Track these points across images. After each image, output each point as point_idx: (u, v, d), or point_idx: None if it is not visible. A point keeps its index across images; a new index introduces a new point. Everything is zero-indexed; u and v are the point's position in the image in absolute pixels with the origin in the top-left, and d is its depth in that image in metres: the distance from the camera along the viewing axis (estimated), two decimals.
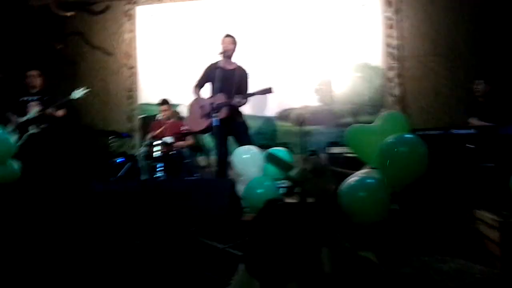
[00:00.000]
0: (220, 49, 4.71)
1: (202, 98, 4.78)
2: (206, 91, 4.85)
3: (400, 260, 2.36)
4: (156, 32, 6.38)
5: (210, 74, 4.74)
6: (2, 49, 6.07)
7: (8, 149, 3.71)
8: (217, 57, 4.71)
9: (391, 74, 5.62)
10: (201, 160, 5.86)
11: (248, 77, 4.80)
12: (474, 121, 4.65)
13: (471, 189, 2.99)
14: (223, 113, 4.53)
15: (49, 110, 5.06)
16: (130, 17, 6.45)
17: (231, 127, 4.59)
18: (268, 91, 4.49)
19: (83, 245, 3.13)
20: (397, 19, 5.64)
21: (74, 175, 5.25)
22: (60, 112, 5.16)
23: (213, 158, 4.94)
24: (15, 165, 3.77)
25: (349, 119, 5.52)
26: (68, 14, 6.23)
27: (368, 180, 2.36)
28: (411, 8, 5.64)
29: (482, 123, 4.55)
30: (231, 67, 4.75)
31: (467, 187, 3.00)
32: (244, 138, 4.53)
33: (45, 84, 5.37)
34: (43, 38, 6.34)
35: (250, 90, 4.72)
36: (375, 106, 5.46)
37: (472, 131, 3.86)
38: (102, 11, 6.53)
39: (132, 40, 6.43)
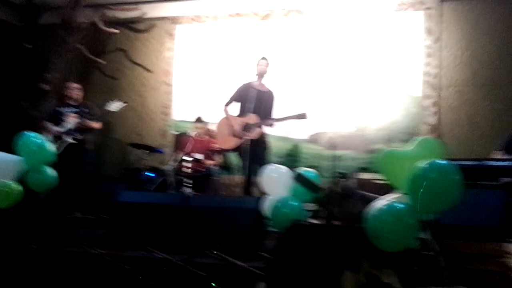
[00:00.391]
0: (256, 71, 4.79)
1: (233, 117, 4.84)
2: (234, 109, 4.92)
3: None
4: (193, 51, 6.54)
5: (242, 94, 4.82)
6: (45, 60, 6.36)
7: (45, 156, 3.82)
8: (250, 78, 4.79)
9: (428, 102, 5.53)
10: (229, 178, 5.89)
11: (274, 100, 4.88)
12: (498, 154, 4.40)
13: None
14: (255, 133, 4.56)
15: (87, 122, 5.23)
16: (172, 36, 6.65)
17: (255, 147, 4.62)
18: (302, 116, 4.51)
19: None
20: (436, 48, 5.57)
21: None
22: (97, 125, 5.32)
23: (240, 177, 4.96)
24: (51, 172, 3.87)
25: (381, 146, 5.44)
26: (113, 31, 6.50)
27: (397, 205, 2.30)
28: (452, 37, 5.57)
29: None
30: (263, 89, 4.83)
31: None
32: (263, 159, 4.54)
33: (84, 97, 5.57)
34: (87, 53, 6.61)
35: (282, 113, 4.76)
36: (409, 133, 5.36)
37: (507, 163, 3.73)
38: (145, 30, 6.78)
39: (171, 58, 6.62)
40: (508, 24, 5.39)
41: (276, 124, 4.70)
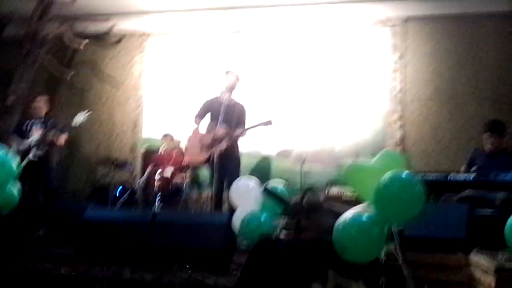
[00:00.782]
0: (225, 84, 4.83)
1: (202, 131, 4.86)
2: (204, 123, 4.94)
3: None
4: (164, 64, 6.51)
5: (211, 107, 4.87)
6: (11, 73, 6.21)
7: (8, 172, 3.70)
8: (217, 91, 4.83)
9: (393, 117, 5.67)
10: (198, 194, 5.86)
11: (245, 112, 4.93)
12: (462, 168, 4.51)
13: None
14: (223, 144, 4.58)
15: (51, 135, 5.10)
16: (142, 49, 6.60)
17: (226, 162, 4.63)
18: (268, 123, 4.60)
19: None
20: (401, 64, 5.74)
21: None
22: (61, 139, 5.19)
23: (209, 192, 4.95)
24: (15, 189, 3.76)
25: (349, 160, 5.53)
26: (81, 45, 6.41)
27: (362, 216, 2.35)
28: (415, 54, 5.76)
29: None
30: (231, 102, 4.86)
31: None
32: (234, 174, 4.55)
33: (51, 110, 5.46)
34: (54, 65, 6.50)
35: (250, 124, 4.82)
36: (376, 148, 5.46)
37: (471, 177, 3.85)
38: (115, 43, 6.70)
39: (142, 72, 6.57)
40: (469, 43, 5.61)
41: (245, 133, 4.73)
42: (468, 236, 2.95)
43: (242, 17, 6.24)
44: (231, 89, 4.87)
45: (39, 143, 5.03)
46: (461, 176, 3.85)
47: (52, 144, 5.17)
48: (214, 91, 5.22)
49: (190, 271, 3.00)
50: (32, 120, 5.24)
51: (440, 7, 5.65)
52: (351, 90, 5.82)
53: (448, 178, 3.82)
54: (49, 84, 6.68)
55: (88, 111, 5.26)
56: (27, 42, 6.19)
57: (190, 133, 4.98)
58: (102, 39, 6.71)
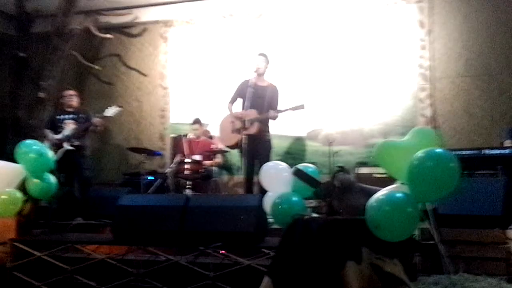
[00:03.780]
0: (255, 67, 4.80)
1: (234, 114, 4.85)
2: (238, 107, 4.93)
3: (429, 277, 2.29)
4: (188, 53, 6.56)
5: (242, 91, 4.83)
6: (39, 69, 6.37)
7: (45, 164, 3.83)
8: (250, 75, 4.80)
9: (423, 95, 5.57)
10: (229, 178, 5.91)
11: (278, 94, 4.86)
12: (508, 143, 4.48)
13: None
14: (253, 128, 4.58)
15: (86, 125, 5.21)
16: (166, 39, 6.67)
17: (257, 145, 4.62)
18: (300, 107, 4.55)
19: None
20: (429, 40, 5.61)
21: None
22: (99, 121, 5.24)
23: (240, 177, 4.97)
24: (52, 179, 3.89)
25: (379, 139, 5.47)
26: (107, 36, 6.50)
27: (395, 195, 2.32)
28: (443, 29, 5.61)
29: None
30: (263, 84, 4.83)
31: None
32: (265, 157, 4.54)
33: (80, 104, 5.58)
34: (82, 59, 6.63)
35: (282, 107, 4.77)
36: (406, 126, 5.39)
37: (507, 151, 3.77)
38: (139, 34, 6.80)
39: (166, 61, 6.64)
40: (497, 15, 5.43)
41: (276, 116, 4.69)
42: (504, 212, 2.89)
43: (264, 1, 6.20)
44: (261, 72, 4.83)
45: (72, 136, 5.16)
46: (496, 151, 3.77)
47: (85, 135, 5.29)
48: (243, 74, 5.18)
49: (223, 253, 3.05)
50: (63, 115, 5.37)
51: None
52: (379, 69, 5.74)
53: (482, 153, 3.74)
54: (78, 78, 6.84)
55: (120, 107, 5.36)
56: (54, 38, 6.33)
57: (225, 116, 4.97)
58: (126, 31, 6.81)
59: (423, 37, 5.64)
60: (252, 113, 4.65)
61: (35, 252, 3.39)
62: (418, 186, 2.33)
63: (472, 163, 3.70)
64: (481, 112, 5.37)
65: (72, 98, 5.47)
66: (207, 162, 5.38)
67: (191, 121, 5.78)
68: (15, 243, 3.48)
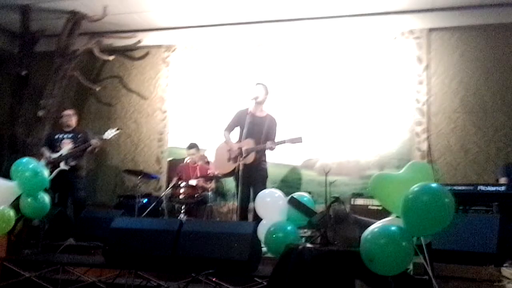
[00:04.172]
0: (253, 96, 4.79)
1: (231, 142, 4.85)
2: (235, 135, 4.94)
3: None
4: (189, 78, 6.64)
5: (240, 119, 4.82)
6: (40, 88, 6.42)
7: (40, 183, 3.82)
8: (248, 104, 4.84)
9: (419, 129, 5.63)
10: (223, 204, 5.89)
11: (276, 125, 4.87)
12: (503, 180, 4.52)
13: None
14: (250, 158, 4.58)
15: (83, 147, 5.21)
16: (167, 63, 6.76)
17: (253, 173, 4.61)
18: (297, 140, 4.52)
19: None
20: (426, 76, 5.71)
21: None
22: (97, 143, 5.24)
23: (235, 203, 4.94)
24: (46, 199, 3.87)
25: (375, 171, 5.49)
26: (110, 58, 6.59)
27: (390, 228, 2.33)
28: (440, 66, 5.72)
29: None
30: (261, 114, 4.84)
31: None
32: (260, 185, 4.51)
33: (79, 123, 5.60)
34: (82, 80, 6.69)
35: (279, 138, 4.77)
36: (402, 159, 5.43)
37: (502, 188, 3.78)
38: (141, 57, 6.89)
39: (166, 85, 6.71)
40: (493, 53, 5.55)
41: (274, 147, 4.66)
42: (499, 249, 2.89)
43: (265, 31, 6.33)
44: (260, 100, 4.83)
45: (69, 156, 5.16)
46: (492, 188, 3.78)
47: (81, 155, 5.29)
48: (242, 103, 5.23)
49: (215, 280, 3.01)
50: (61, 134, 5.38)
51: (464, 18, 5.63)
52: (377, 102, 5.81)
53: (478, 189, 3.76)
54: (78, 98, 6.89)
55: (118, 129, 5.38)
56: (57, 57, 6.41)
57: (218, 145, 4.98)
58: (128, 54, 6.90)
59: (420, 73, 5.74)
60: (249, 143, 4.64)
61: (24, 273, 3.34)
62: (412, 220, 2.34)
63: (467, 199, 3.72)
64: (477, 148, 5.42)
65: (71, 118, 5.50)
66: (202, 187, 5.38)
67: (188, 146, 5.80)
68: (4, 263, 3.43)
